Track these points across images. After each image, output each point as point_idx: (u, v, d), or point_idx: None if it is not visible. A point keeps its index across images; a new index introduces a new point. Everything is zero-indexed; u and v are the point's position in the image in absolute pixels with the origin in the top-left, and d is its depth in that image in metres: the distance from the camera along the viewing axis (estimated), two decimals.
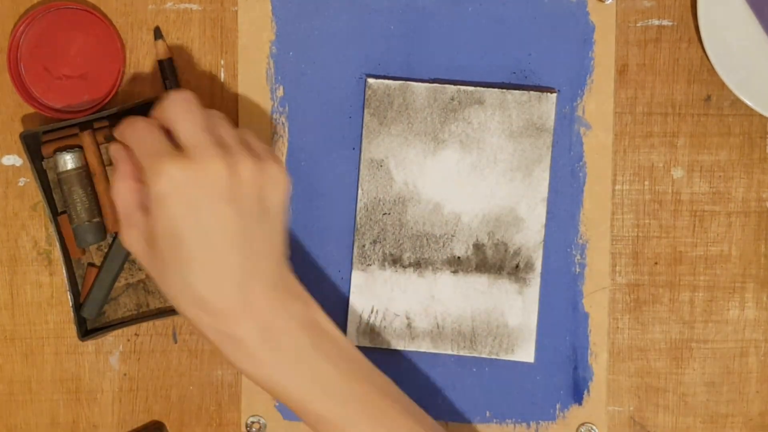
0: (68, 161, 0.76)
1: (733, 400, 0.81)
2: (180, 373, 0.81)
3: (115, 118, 0.76)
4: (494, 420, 0.81)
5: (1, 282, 0.81)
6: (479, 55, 0.79)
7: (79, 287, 0.79)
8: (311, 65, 0.80)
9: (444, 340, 0.79)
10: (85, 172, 0.77)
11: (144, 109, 0.76)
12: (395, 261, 0.79)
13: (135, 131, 0.69)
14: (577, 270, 0.80)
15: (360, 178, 0.79)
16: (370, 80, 0.78)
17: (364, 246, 0.79)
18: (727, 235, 0.80)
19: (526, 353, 0.79)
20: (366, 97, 0.78)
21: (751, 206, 0.80)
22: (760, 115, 0.79)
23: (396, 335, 0.80)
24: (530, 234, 0.79)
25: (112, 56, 0.78)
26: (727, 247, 0.80)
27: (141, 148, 0.68)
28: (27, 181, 0.80)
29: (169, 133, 0.68)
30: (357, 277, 0.79)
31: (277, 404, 0.81)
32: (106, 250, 0.78)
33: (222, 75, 0.80)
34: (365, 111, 0.79)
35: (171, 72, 0.78)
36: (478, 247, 0.79)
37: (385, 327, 0.80)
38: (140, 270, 0.79)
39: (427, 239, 0.79)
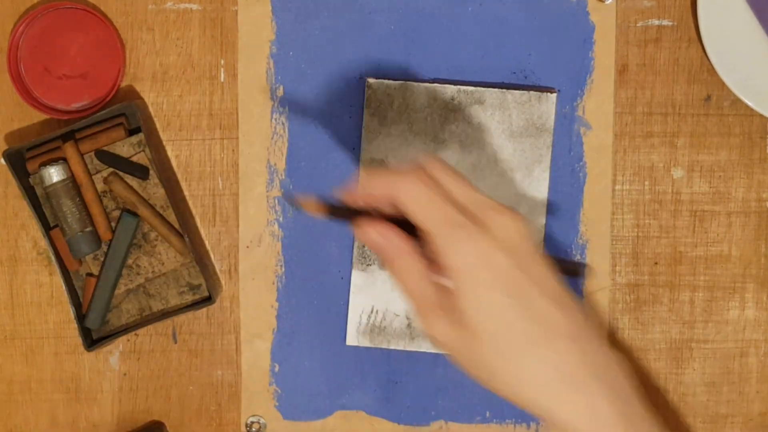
0: (53, 174, 0.76)
1: (733, 401, 0.81)
2: (180, 373, 0.81)
3: (94, 126, 0.77)
4: (494, 420, 0.81)
5: (1, 282, 0.81)
6: (479, 55, 0.79)
7: (80, 298, 0.79)
8: (311, 65, 0.80)
9: None
10: (71, 183, 0.77)
11: (118, 116, 0.77)
12: None
13: (409, 193, 0.59)
14: None
15: (360, 178, 0.79)
16: (370, 80, 0.78)
17: (363, 246, 0.79)
18: (727, 235, 0.80)
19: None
20: (366, 97, 0.78)
21: (751, 206, 0.80)
22: (760, 115, 0.79)
23: (396, 335, 0.79)
24: None
25: (112, 56, 0.78)
26: (727, 247, 0.80)
27: (425, 215, 0.59)
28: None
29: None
30: (357, 277, 0.79)
31: (277, 404, 0.81)
32: (102, 259, 0.78)
33: (222, 75, 0.80)
34: (365, 111, 0.79)
35: None
36: None
37: (385, 327, 0.80)
38: (139, 275, 0.79)
39: None
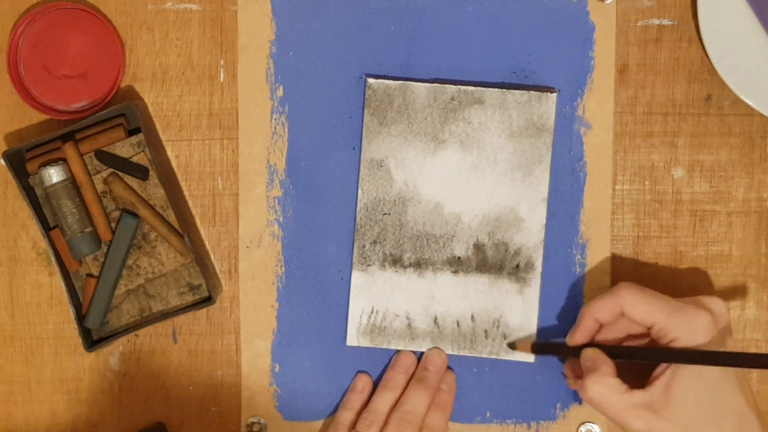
0: (53, 175, 0.76)
1: None
2: (180, 374, 0.81)
3: (94, 126, 0.77)
4: (495, 420, 0.81)
5: (1, 282, 0.81)
6: (479, 55, 0.79)
7: (80, 299, 0.79)
8: (311, 65, 0.80)
9: (444, 340, 0.79)
10: (71, 183, 0.77)
11: (118, 117, 0.77)
12: (395, 261, 0.79)
13: (630, 297, 0.74)
14: (578, 270, 0.80)
15: (360, 179, 0.79)
16: (370, 80, 0.78)
17: (364, 246, 0.79)
18: (728, 235, 0.80)
19: (526, 353, 0.79)
20: (366, 97, 0.78)
21: (751, 206, 0.80)
22: (761, 115, 0.79)
23: (396, 335, 0.79)
24: (530, 234, 0.79)
25: (111, 56, 0.78)
26: (727, 247, 0.80)
27: (650, 308, 0.73)
28: None
29: None
30: (357, 278, 0.79)
31: (277, 404, 0.81)
32: (102, 260, 0.78)
33: (222, 75, 0.80)
34: (365, 111, 0.79)
35: None
36: (478, 247, 0.79)
37: (385, 327, 0.79)
38: (139, 275, 0.79)
39: (427, 239, 0.79)
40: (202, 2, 0.80)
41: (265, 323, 0.80)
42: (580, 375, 0.75)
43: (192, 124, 0.80)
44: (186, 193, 0.81)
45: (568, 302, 0.80)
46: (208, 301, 0.78)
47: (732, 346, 0.73)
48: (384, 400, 0.77)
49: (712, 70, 0.79)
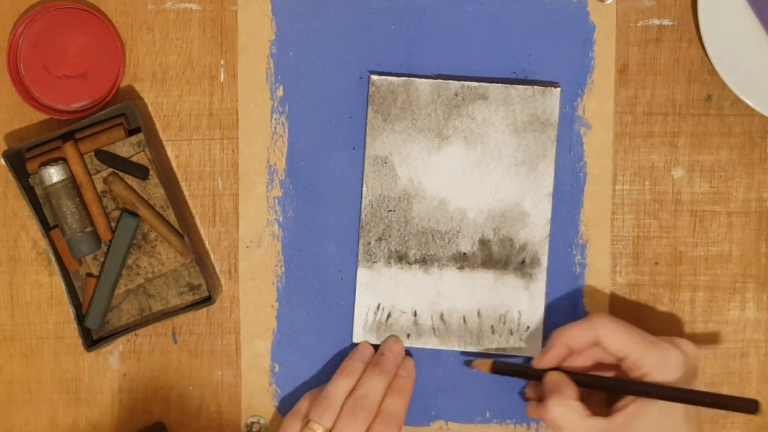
0: (53, 174, 0.76)
1: None
2: (180, 374, 0.81)
3: (94, 126, 0.77)
4: (495, 420, 0.81)
5: (1, 282, 0.81)
6: (479, 55, 0.79)
7: (80, 299, 0.79)
8: (311, 65, 0.80)
9: (450, 336, 0.79)
10: (71, 183, 0.77)
11: (118, 116, 0.77)
12: (401, 258, 0.79)
13: (607, 329, 0.74)
14: (578, 270, 0.80)
15: (364, 176, 0.79)
16: (374, 77, 0.78)
17: (369, 243, 0.79)
18: (728, 235, 0.80)
19: (533, 349, 0.79)
20: (369, 93, 0.78)
21: (751, 206, 0.80)
22: (761, 115, 0.79)
23: (402, 332, 0.79)
24: (536, 229, 0.79)
25: (111, 56, 0.78)
26: (727, 247, 0.80)
27: (625, 341, 0.73)
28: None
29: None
30: (363, 275, 0.79)
31: (277, 404, 0.81)
32: (102, 259, 0.78)
33: (222, 75, 0.80)
34: (369, 108, 0.79)
35: None
36: (483, 242, 0.79)
37: (391, 324, 0.79)
38: (139, 275, 0.79)
39: (432, 235, 0.79)
40: (202, 2, 0.80)
41: (265, 323, 0.80)
42: (541, 398, 0.76)
43: (192, 124, 0.80)
44: (186, 192, 0.81)
45: (568, 303, 0.80)
46: (208, 301, 0.78)
47: (699, 387, 0.73)
48: (339, 387, 0.76)
49: (712, 71, 0.79)
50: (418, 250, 0.79)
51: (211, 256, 0.81)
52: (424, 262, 0.79)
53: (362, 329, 0.80)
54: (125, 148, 0.78)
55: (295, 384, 0.81)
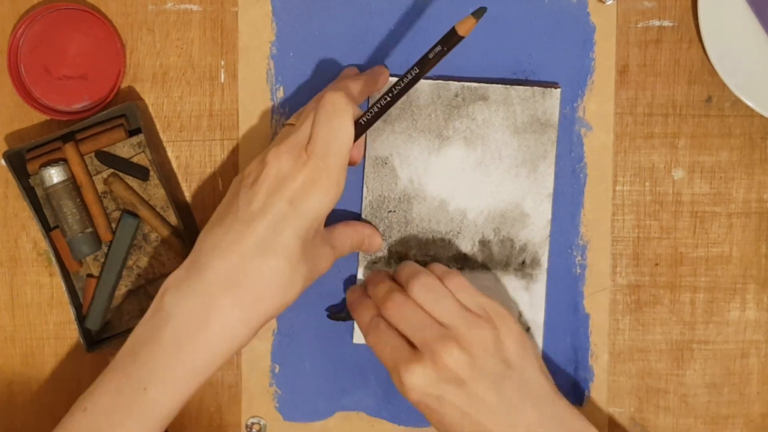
0: (54, 175, 0.76)
1: (734, 402, 0.81)
2: None
3: (94, 127, 0.77)
4: None
5: (2, 283, 0.81)
6: (480, 55, 0.79)
7: (81, 299, 0.79)
8: (312, 66, 0.80)
9: None
10: (72, 184, 0.77)
11: (118, 117, 0.77)
12: (401, 258, 0.79)
13: (398, 308, 0.71)
14: (578, 271, 0.80)
15: (364, 176, 0.79)
16: None
17: None
18: (728, 236, 0.80)
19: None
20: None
21: (751, 207, 0.80)
22: (761, 116, 0.79)
23: None
24: (536, 230, 0.79)
25: (112, 57, 0.78)
26: (727, 248, 0.80)
27: (407, 327, 0.70)
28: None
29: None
30: (363, 275, 0.79)
31: (277, 405, 0.81)
32: (102, 260, 0.78)
33: (222, 76, 0.80)
34: None
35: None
36: (484, 243, 0.79)
37: None
38: (140, 275, 0.79)
39: (432, 236, 0.79)
40: (202, 3, 0.80)
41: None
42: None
43: (192, 125, 0.80)
44: (186, 193, 0.81)
45: (569, 303, 0.80)
46: None
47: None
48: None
49: (713, 72, 0.79)
50: (419, 251, 0.79)
51: None
52: (424, 263, 0.79)
53: None
54: (126, 148, 0.78)
55: (296, 385, 0.81)
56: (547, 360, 0.80)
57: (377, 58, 0.79)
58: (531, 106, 0.78)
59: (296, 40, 0.80)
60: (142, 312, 0.79)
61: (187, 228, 0.79)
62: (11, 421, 0.81)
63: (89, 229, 0.77)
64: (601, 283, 0.80)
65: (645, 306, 0.80)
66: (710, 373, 0.81)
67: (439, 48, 0.68)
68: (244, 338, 0.67)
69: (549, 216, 0.79)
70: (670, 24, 0.80)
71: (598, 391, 0.80)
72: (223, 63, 0.80)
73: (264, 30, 0.80)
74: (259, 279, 0.66)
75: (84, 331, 0.78)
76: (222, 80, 0.80)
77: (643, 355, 0.81)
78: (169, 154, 0.81)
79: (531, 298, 0.79)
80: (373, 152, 0.79)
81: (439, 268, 0.73)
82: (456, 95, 0.78)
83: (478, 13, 0.67)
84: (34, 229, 0.80)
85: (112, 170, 0.79)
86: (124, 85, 0.80)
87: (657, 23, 0.80)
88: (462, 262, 0.79)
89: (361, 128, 0.70)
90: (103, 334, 0.79)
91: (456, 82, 0.78)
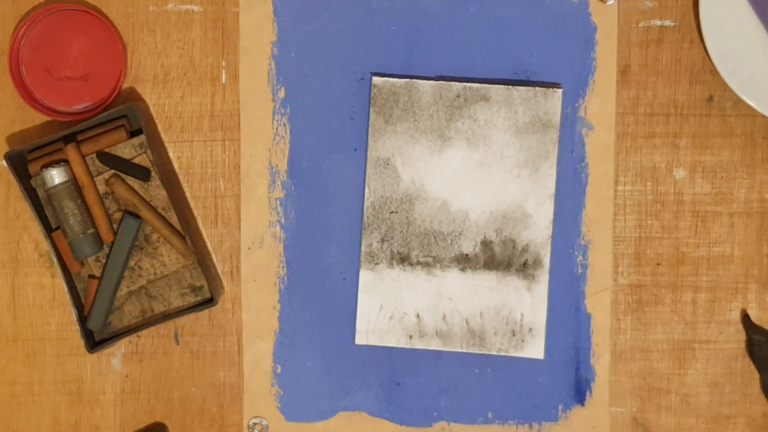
0: (55, 176, 0.76)
1: (735, 401, 0.81)
2: (182, 375, 0.81)
3: (96, 127, 0.77)
4: (497, 421, 0.81)
5: (3, 284, 0.81)
6: (481, 56, 0.79)
7: (82, 300, 0.79)
8: (313, 66, 0.80)
9: (453, 337, 0.79)
10: (73, 185, 0.77)
11: (120, 118, 0.77)
12: (403, 259, 0.79)
13: None
14: (580, 271, 0.80)
15: (366, 177, 0.79)
16: (376, 79, 0.78)
17: (371, 245, 0.79)
18: (730, 235, 0.80)
19: (535, 349, 0.79)
20: (371, 95, 0.78)
21: (753, 207, 0.80)
22: (763, 116, 0.79)
23: (405, 333, 0.79)
24: (538, 230, 0.79)
25: (113, 57, 0.78)
26: (729, 248, 0.80)
27: None
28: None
29: None
30: (365, 276, 0.79)
31: (279, 405, 0.81)
32: (104, 261, 0.78)
33: (223, 76, 0.80)
34: (371, 109, 0.79)
35: None
36: (486, 244, 0.79)
37: (393, 325, 0.79)
38: (141, 276, 0.79)
39: (434, 237, 0.79)
40: (203, 4, 0.80)
41: (267, 324, 0.81)
42: None
43: (194, 126, 0.80)
44: (188, 194, 0.81)
45: (570, 304, 0.80)
46: (209, 302, 0.78)
47: None
48: None
49: (714, 71, 0.79)
50: (421, 252, 0.79)
51: (213, 257, 0.81)
52: (426, 263, 0.79)
53: (365, 330, 0.80)
54: (127, 149, 0.78)
55: (298, 385, 0.81)
56: (549, 360, 0.80)
57: (378, 58, 0.79)
58: (532, 107, 0.78)
59: (297, 40, 0.80)
60: (143, 313, 0.79)
61: (189, 229, 0.79)
62: (13, 423, 0.81)
63: (91, 230, 0.77)
64: (602, 283, 0.80)
65: (646, 306, 0.80)
66: (712, 372, 0.81)
67: None
68: None
69: (551, 216, 0.79)
70: (672, 24, 0.80)
71: (600, 391, 0.80)
72: (224, 63, 0.80)
73: (265, 30, 0.80)
74: None
75: (85, 332, 0.78)
76: (223, 81, 0.80)
77: (645, 355, 0.81)
78: (171, 154, 0.81)
79: (533, 298, 0.79)
80: (375, 153, 0.79)
81: None
82: (458, 96, 0.78)
83: None
84: (36, 230, 0.80)
85: (113, 171, 0.79)
86: (125, 85, 0.80)
87: (658, 23, 0.80)
88: (464, 262, 0.79)
89: None
90: (105, 335, 0.79)
91: (458, 83, 0.78)
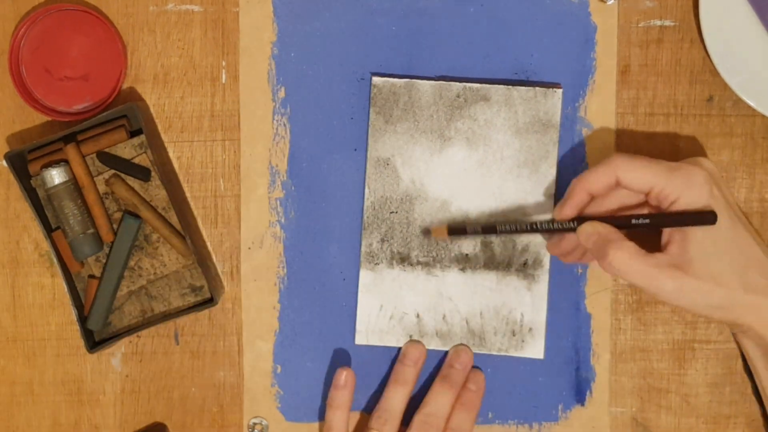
0: (55, 176, 0.76)
1: (735, 401, 0.81)
2: (182, 375, 0.81)
3: (96, 127, 0.77)
4: (497, 421, 0.81)
5: (3, 284, 0.81)
6: (481, 56, 0.79)
7: (82, 300, 0.79)
8: (313, 66, 0.80)
9: (453, 337, 0.79)
10: (73, 185, 0.77)
11: (120, 118, 0.77)
12: (403, 259, 0.79)
13: (625, 163, 0.71)
14: (580, 271, 0.80)
15: (366, 177, 0.79)
16: (376, 79, 0.78)
17: (371, 245, 0.79)
18: None
19: (535, 350, 0.79)
20: (371, 95, 0.78)
21: (753, 207, 0.80)
22: (763, 116, 0.79)
23: (405, 334, 0.79)
24: None
25: (113, 57, 0.78)
26: None
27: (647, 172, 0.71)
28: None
29: None
30: (365, 277, 0.79)
31: (279, 405, 0.81)
32: (104, 261, 0.78)
33: (223, 76, 0.80)
34: (371, 109, 0.79)
35: None
36: (486, 244, 0.79)
37: (393, 325, 0.79)
38: (141, 276, 0.79)
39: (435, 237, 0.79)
40: (203, 3, 0.80)
41: (267, 324, 0.81)
42: (564, 253, 0.75)
43: (194, 126, 0.80)
44: (188, 194, 0.81)
45: (570, 304, 0.80)
46: (209, 302, 0.78)
47: (730, 197, 0.73)
48: (396, 396, 0.77)
49: (714, 71, 0.79)
50: (421, 252, 0.79)
51: (213, 257, 0.81)
52: (426, 263, 0.79)
53: (365, 331, 0.80)
54: (127, 149, 0.78)
55: (298, 385, 0.81)
56: (549, 360, 0.80)
57: (378, 58, 0.79)
58: (533, 107, 0.78)
59: (297, 40, 0.80)
60: (143, 313, 0.79)
61: (189, 229, 0.79)
62: (13, 423, 0.81)
63: (91, 230, 0.77)
64: (602, 282, 0.80)
65: (646, 305, 0.80)
66: (712, 372, 0.81)
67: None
68: None
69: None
70: (672, 23, 0.80)
71: (600, 391, 0.80)
72: (224, 63, 0.80)
73: (265, 30, 0.80)
74: None
75: (86, 332, 0.78)
76: (223, 81, 0.80)
77: (645, 355, 0.81)
78: (171, 154, 0.81)
79: (533, 298, 0.79)
80: (375, 153, 0.79)
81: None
82: (458, 96, 0.78)
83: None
84: (36, 230, 0.80)
85: (113, 171, 0.79)
86: (125, 85, 0.80)
87: (658, 23, 0.80)
88: (464, 262, 0.79)
89: None
90: (105, 335, 0.79)
91: (458, 83, 0.78)
